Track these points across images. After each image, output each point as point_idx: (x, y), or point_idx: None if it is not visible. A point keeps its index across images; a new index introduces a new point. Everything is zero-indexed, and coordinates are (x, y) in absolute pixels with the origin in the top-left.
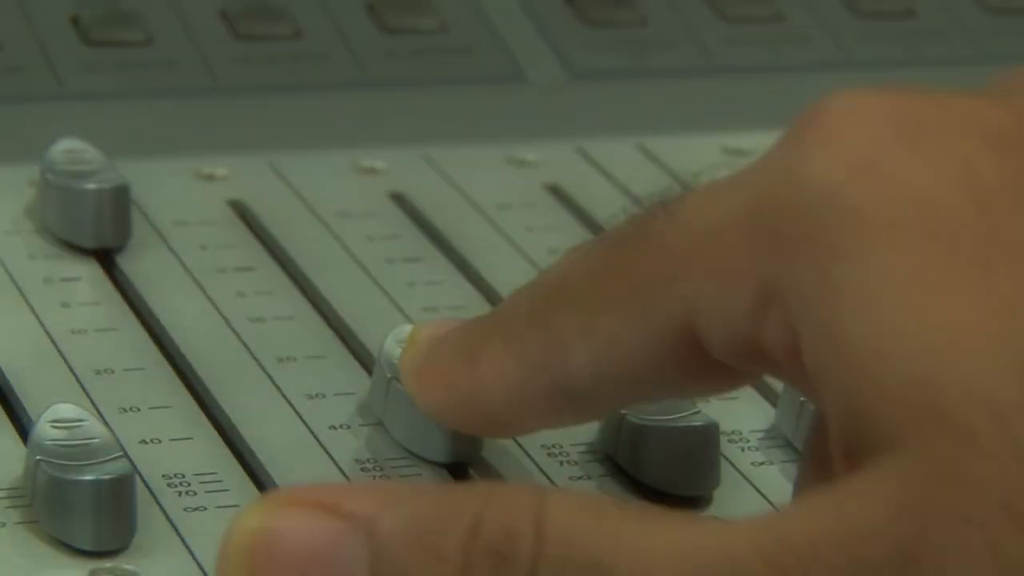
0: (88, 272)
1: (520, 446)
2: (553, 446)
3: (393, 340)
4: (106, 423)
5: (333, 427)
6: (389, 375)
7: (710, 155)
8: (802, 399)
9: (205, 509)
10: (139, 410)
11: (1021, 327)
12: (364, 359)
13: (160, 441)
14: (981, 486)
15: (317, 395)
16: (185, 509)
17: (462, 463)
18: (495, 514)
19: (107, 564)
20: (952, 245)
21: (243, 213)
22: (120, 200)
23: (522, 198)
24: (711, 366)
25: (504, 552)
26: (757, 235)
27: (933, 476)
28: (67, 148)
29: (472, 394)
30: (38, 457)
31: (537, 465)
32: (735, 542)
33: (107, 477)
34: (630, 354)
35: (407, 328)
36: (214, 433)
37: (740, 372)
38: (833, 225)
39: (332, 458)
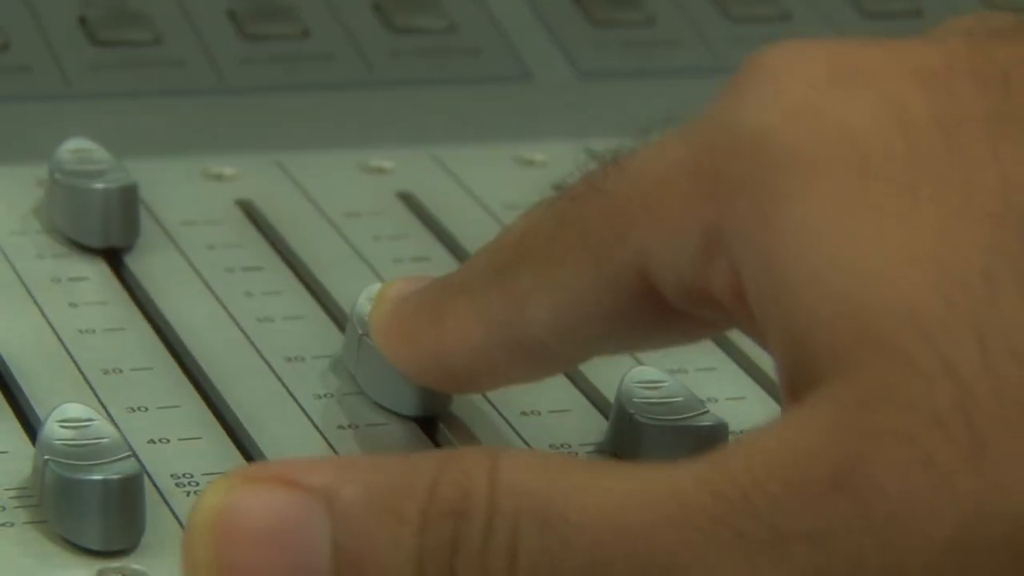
0: (96, 272)
1: (526, 444)
2: (561, 445)
3: (365, 298)
4: (114, 423)
5: (342, 426)
6: (360, 331)
7: None
8: None
9: None
10: (147, 410)
11: (945, 248)
12: None
13: (168, 441)
14: (913, 404)
15: (325, 394)
16: None
17: (432, 417)
18: (451, 475)
19: (115, 564)
20: (882, 177)
21: (251, 213)
22: (128, 200)
23: (530, 198)
24: (668, 315)
25: (461, 510)
26: (700, 180)
27: (865, 397)
28: (75, 148)
29: (437, 351)
30: (46, 457)
31: None
32: (680, 479)
33: (115, 477)
34: (587, 306)
35: (378, 286)
36: (222, 433)
37: (698, 321)
38: (770, 166)
39: None
